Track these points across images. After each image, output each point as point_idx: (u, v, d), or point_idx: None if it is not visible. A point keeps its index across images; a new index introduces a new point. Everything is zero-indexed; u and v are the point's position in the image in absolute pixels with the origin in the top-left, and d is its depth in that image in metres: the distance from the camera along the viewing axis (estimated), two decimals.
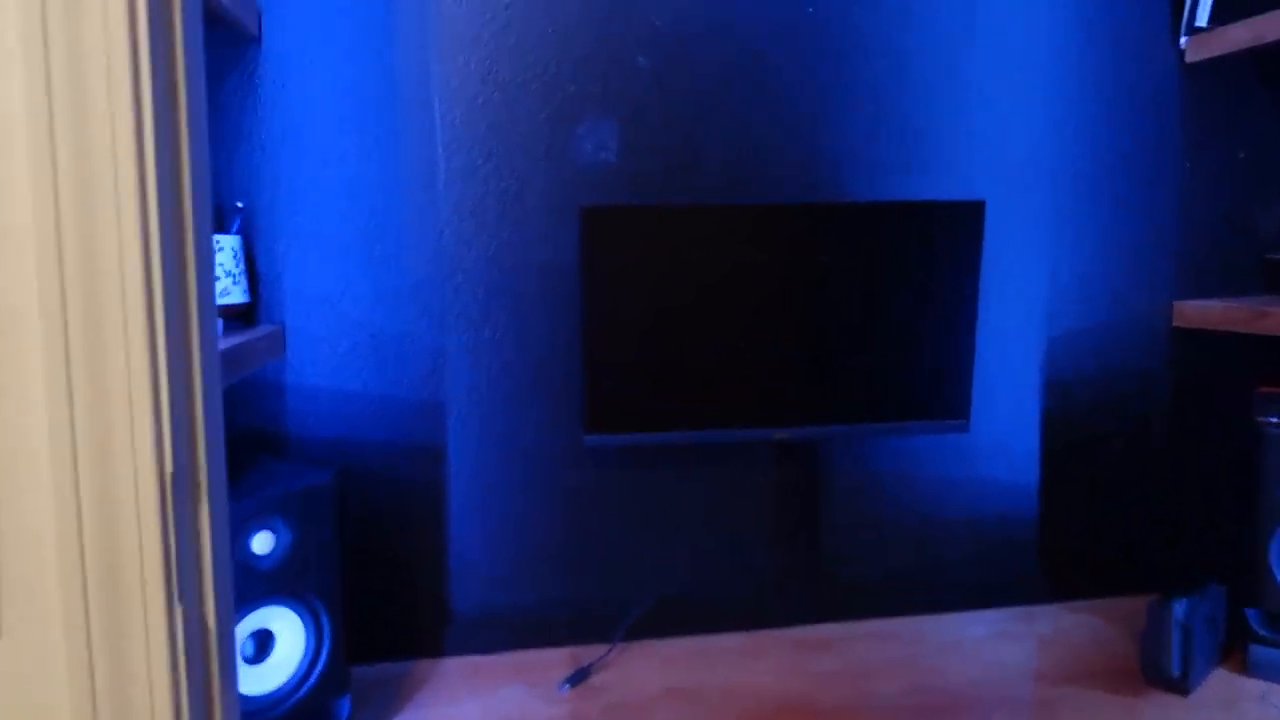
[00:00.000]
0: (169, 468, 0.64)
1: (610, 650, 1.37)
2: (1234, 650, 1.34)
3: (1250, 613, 1.30)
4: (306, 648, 1.10)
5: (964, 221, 1.32)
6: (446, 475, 1.35)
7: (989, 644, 1.39)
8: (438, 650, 1.37)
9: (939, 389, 1.37)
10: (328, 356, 1.29)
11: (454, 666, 1.33)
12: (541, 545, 1.40)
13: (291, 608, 1.09)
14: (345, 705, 1.16)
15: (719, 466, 1.44)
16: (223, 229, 1.22)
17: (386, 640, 1.35)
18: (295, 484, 1.07)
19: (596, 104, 1.32)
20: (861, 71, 1.39)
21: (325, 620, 1.11)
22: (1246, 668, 1.28)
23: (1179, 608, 1.21)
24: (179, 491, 0.65)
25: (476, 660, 1.35)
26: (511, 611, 1.39)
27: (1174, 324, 1.56)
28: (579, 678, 1.28)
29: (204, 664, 0.69)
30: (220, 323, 1.15)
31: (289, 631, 1.10)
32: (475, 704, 1.22)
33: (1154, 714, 1.18)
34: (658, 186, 1.35)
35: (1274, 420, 1.24)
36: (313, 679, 1.10)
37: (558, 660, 1.35)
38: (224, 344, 0.98)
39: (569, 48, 1.31)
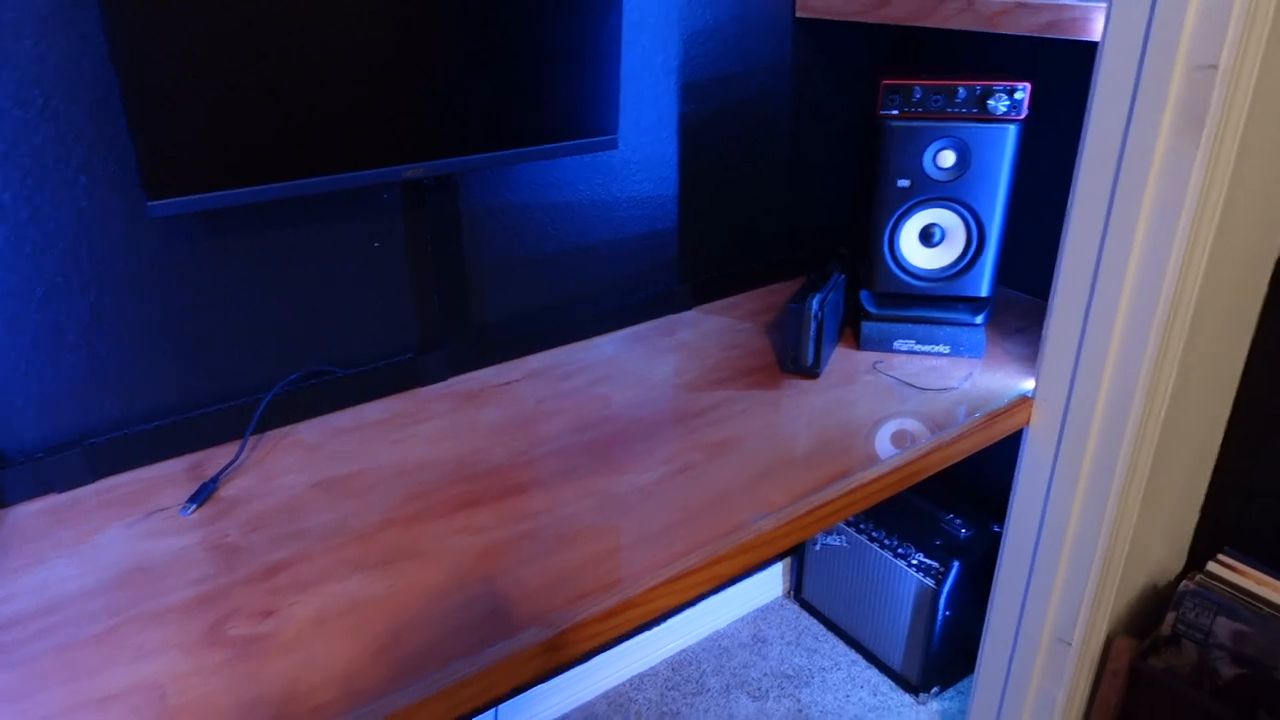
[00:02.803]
0: None
1: (240, 453, 1.15)
2: (847, 327, 1.48)
3: (864, 294, 1.43)
4: None
5: None
6: None
7: (644, 363, 1.40)
8: None
9: (584, 104, 1.21)
10: None
11: (26, 516, 1.03)
12: (116, 346, 1.08)
13: None
14: None
15: (338, 219, 1.19)
16: None
17: None
18: None
19: None
20: None
21: None
22: (859, 342, 1.43)
23: (814, 305, 1.28)
24: None
25: (56, 502, 1.06)
26: (95, 431, 1.09)
27: (797, 14, 1.52)
28: (205, 492, 1.06)
29: None
30: None
31: None
32: (71, 560, 0.95)
33: (793, 398, 1.27)
34: None
35: (895, 113, 1.27)
36: None
37: (173, 477, 1.11)
38: None
39: None
